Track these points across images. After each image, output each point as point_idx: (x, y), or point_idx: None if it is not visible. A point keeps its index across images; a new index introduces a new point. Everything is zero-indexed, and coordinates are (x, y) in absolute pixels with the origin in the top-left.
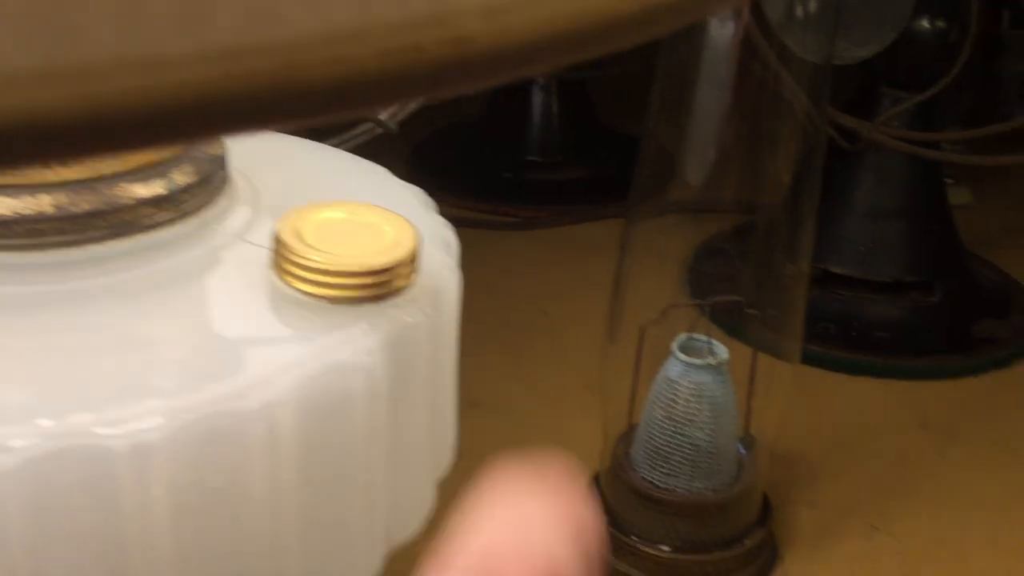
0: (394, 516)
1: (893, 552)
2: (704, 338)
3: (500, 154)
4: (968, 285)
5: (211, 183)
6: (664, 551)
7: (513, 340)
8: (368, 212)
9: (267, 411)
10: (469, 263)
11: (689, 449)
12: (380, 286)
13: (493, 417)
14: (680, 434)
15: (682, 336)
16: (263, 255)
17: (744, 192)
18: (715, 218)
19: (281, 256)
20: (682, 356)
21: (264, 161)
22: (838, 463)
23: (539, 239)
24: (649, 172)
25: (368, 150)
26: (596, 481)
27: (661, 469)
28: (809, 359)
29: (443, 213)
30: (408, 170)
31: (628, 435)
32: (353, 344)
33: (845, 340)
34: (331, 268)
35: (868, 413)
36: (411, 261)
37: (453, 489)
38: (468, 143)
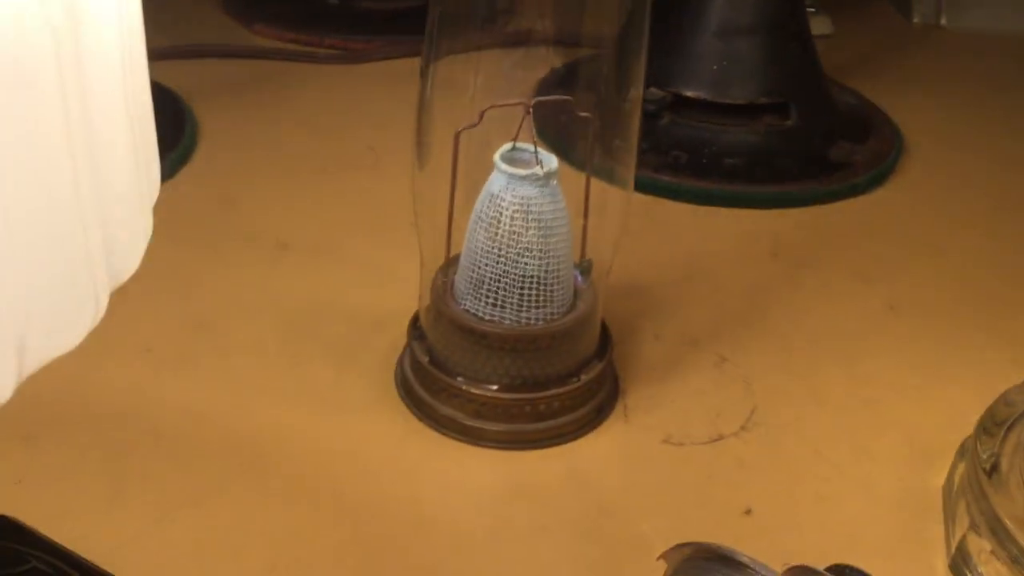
0: (110, 246)
1: (741, 383)
2: (530, 147)
3: None
4: (826, 108)
5: None
6: (491, 390)
7: (333, 179)
8: None
9: None
10: (290, 98)
11: (516, 275)
12: None
13: (305, 258)
14: (506, 258)
15: (506, 146)
16: None
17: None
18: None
19: None
20: (505, 167)
21: None
22: (687, 295)
23: (368, 73)
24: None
25: None
26: (415, 321)
27: (487, 299)
28: (660, 190)
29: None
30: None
31: (449, 265)
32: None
33: (696, 168)
34: None
35: (719, 243)
36: None
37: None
38: None
